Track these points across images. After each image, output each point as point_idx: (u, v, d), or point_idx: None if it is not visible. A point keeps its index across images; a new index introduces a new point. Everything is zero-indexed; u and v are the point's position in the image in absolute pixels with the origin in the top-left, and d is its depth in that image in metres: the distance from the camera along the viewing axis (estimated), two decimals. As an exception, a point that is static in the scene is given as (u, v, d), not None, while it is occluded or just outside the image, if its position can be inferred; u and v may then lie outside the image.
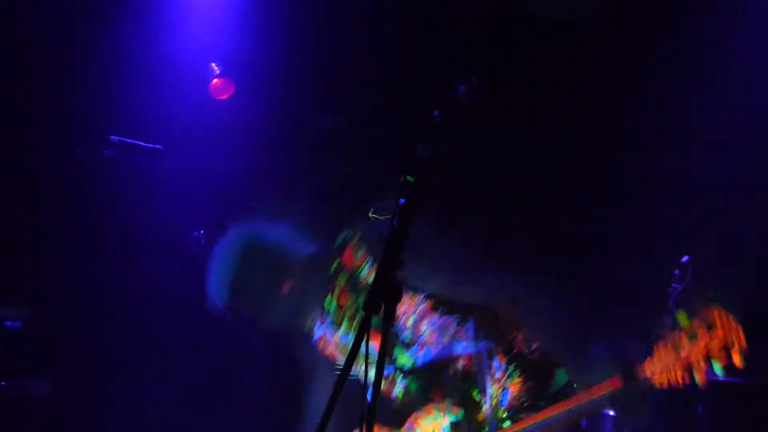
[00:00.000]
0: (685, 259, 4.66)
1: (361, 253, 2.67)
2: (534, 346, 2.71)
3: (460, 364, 2.70)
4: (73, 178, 5.11)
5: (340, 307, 2.74)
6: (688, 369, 2.29)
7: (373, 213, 3.51)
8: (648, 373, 2.38)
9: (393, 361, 2.74)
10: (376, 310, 1.95)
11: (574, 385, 2.64)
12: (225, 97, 5.75)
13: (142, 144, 4.18)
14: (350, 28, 5.61)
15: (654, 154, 5.19)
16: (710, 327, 2.26)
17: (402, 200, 2.07)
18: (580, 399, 2.52)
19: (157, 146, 4.23)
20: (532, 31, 4.88)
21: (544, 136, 5.29)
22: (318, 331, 2.80)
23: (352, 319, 2.74)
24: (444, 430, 2.68)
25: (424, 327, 2.71)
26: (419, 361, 2.71)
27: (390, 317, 1.96)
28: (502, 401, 2.69)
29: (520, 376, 2.70)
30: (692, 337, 2.29)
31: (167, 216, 5.39)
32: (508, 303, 2.64)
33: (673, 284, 4.67)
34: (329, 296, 2.73)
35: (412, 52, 5.50)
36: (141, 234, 5.42)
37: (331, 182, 5.48)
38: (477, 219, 5.02)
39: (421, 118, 2.17)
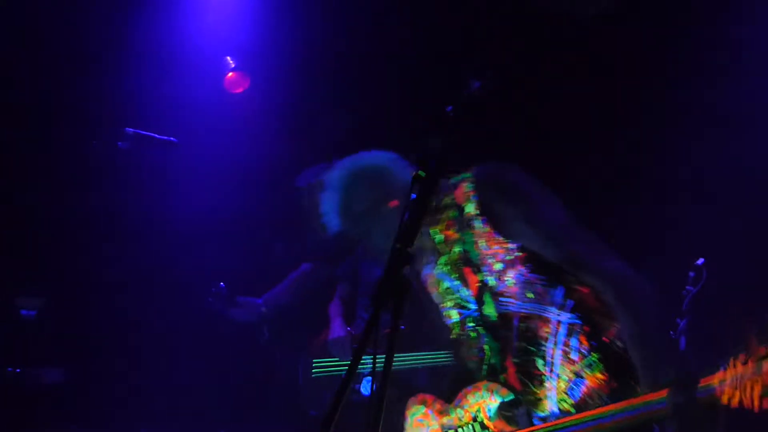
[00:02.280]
0: (700, 261, 4.61)
1: (468, 190, 2.68)
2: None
3: (534, 324, 2.59)
4: (88, 169, 5.13)
5: (445, 240, 2.72)
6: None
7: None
8: (716, 382, 2.02)
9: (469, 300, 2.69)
10: (385, 305, 1.93)
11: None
12: (240, 91, 5.75)
13: (157, 136, 4.20)
14: (365, 20, 5.60)
15: (669, 152, 5.14)
16: None
17: (413, 195, 2.07)
18: (629, 403, 2.26)
19: (171, 138, 4.25)
20: (545, 25, 4.85)
21: (558, 133, 5.25)
22: (426, 270, 2.81)
23: (451, 259, 2.71)
24: (489, 410, 2.59)
25: (509, 276, 2.61)
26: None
27: (399, 313, 1.94)
28: (573, 392, 2.53)
29: (603, 372, 2.51)
30: None
31: (182, 207, 5.41)
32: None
33: (687, 287, 4.62)
34: (435, 228, 2.73)
35: (427, 46, 5.48)
36: (155, 224, 5.44)
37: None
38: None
39: (434, 112, 2.16)
